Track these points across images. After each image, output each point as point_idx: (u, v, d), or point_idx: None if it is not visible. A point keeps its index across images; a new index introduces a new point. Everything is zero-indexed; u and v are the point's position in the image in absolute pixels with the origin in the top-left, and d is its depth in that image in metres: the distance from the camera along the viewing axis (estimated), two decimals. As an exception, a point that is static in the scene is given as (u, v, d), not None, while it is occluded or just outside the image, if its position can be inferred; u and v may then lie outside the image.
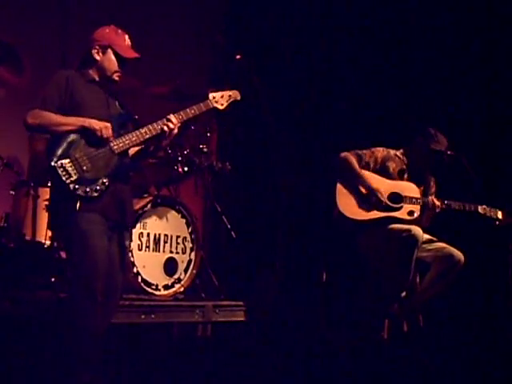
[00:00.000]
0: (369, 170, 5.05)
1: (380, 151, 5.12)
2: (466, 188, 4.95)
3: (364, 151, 5.09)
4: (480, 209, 4.91)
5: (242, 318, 5.07)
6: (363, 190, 4.96)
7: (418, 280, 4.99)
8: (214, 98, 3.96)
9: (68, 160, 3.60)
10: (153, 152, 4.00)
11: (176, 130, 3.82)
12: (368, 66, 6.25)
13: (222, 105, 3.98)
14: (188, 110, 3.89)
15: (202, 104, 3.93)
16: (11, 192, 5.17)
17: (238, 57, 5.05)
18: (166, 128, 3.78)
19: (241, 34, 6.66)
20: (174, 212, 5.15)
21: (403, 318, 4.98)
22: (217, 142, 6.40)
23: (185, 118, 3.87)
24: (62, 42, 5.80)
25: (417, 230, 4.81)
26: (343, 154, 5.05)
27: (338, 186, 5.01)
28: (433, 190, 5.15)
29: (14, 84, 5.35)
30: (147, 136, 3.78)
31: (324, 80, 6.49)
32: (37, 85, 4.72)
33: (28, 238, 4.99)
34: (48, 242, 4.94)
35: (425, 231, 4.94)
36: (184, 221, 5.19)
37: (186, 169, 5.27)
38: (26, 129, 3.73)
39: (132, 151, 3.88)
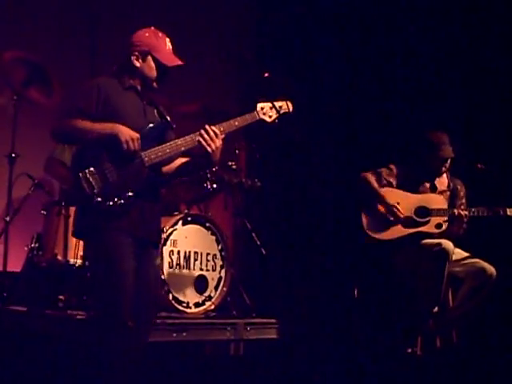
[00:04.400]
0: (392, 186, 5.03)
1: (396, 167, 5.10)
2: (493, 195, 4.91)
3: (382, 169, 5.09)
4: (509, 211, 4.82)
5: (274, 336, 5.04)
6: (383, 209, 4.97)
7: (450, 295, 4.96)
8: (262, 108, 3.58)
9: (93, 171, 3.34)
10: (196, 168, 3.70)
11: (220, 143, 3.46)
12: (407, 82, 6.20)
13: (271, 117, 3.58)
14: (231, 121, 3.52)
15: (247, 115, 3.55)
16: (43, 212, 5.21)
17: (266, 74, 5.04)
18: (203, 138, 3.44)
19: (269, 51, 6.67)
20: (203, 229, 5.15)
21: (436, 334, 4.94)
22: (246, 159, 6.39)
23: (227, 131, 3.50)
24: (92, 63, 5.85)
25: (447, 243, 4.79)
26: (362, 175, 5.08)
27: (362, 214, 5.03)
28: (462, 195, 5.10)
29: (44, 105, 5.39)
30: (183, 148, 3.46)
31: (356, 94, 6.46)
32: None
33: (60, 257, 5.02)
34: (79, 261, 4.97)
35: (458, 246, 4.90)
36: (214, 238, 5.19)
37: (215, 186, 5.25)
38: (53, 140, 3.58)
39: (174, 165, 3.60)
